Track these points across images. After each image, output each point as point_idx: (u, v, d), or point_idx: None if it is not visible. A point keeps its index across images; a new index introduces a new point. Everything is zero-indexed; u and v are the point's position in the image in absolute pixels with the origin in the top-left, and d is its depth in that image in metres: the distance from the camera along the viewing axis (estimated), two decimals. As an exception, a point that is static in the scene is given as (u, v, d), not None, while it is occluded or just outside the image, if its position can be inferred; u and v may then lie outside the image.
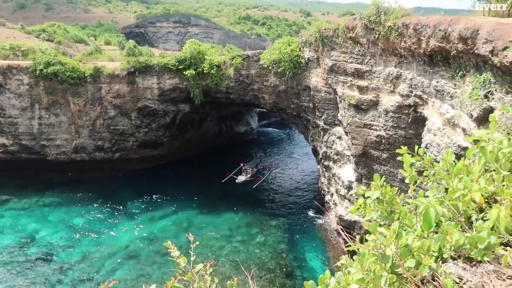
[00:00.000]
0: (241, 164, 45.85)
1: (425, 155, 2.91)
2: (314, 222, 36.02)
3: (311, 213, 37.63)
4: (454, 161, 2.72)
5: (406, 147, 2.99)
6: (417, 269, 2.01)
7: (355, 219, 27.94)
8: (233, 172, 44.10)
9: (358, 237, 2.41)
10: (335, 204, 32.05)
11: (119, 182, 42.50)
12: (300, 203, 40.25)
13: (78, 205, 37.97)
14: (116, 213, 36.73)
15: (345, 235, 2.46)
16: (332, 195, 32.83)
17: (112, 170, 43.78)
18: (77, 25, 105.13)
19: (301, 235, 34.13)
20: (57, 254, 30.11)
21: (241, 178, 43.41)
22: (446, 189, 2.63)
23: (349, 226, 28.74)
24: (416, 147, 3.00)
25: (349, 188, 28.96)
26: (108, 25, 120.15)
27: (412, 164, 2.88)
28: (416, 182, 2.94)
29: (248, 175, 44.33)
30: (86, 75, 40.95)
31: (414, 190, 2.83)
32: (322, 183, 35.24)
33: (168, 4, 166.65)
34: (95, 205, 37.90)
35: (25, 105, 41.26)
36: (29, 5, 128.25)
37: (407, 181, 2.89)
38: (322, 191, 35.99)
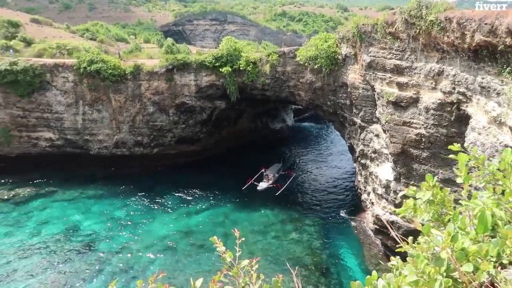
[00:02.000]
0: (263, 169, 43.32)
1: (479, 154, 2.78)
2: (350, 221, 35.50)
3: (346, 212, 37.11)
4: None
5: (458, 144, 2.88)
6: (475, 274, 1.94)
7: (393, 219, 27.25)
8: (254, 178, 41.74)
9: (410, 238, 2.35)
10: (372, 203, 31.40)
11: (157, 177, 43.71)
12: (336, 202, 39.78)
13: (119, 198, 39.42)
14: (154, 207, 37.81)
15: (396, 235, 2.41)
16: (369, 194, 32.18)
17: (150, 165, 45.07)
18: (118, 24, 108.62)
19: (336, 233, 33.75)
20: (99, 244, 31.43)
21: (262, 185, 40.45)
22: (503, 191, 2.51)
23: (386, 226, 28.09)
24: (470, 146, 2.88)
25: (386, 187, 28.26)
26: (148, 23, 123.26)
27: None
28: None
29: (270, 181, 41.30)
30: (126, 72, 42.32)
31: (468, 191, 2.73)
32: (359, 181, 34.61)
33: (205, 2, 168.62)
34: (134, 198, 39.19)
35: (70, 101, 43.21)
36: (73, 6, 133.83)
37: (459, 181, 2.78)
38: (358, 190, 35.36)
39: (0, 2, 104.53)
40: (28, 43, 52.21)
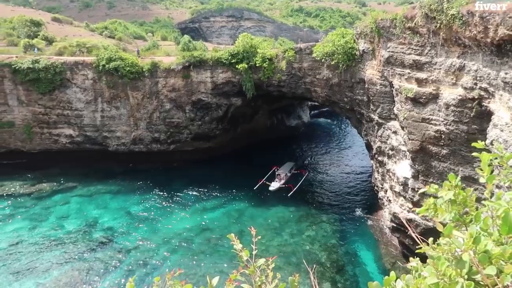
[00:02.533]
0: (275, 168, 42.52)
1: (504, 151, 2.69)
2: (366, 219, 35.17)
3: (362, 209, 36.77)
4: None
5: (482, 142, 2.79)
6: (498, 277, 1.88)
7: (411, 217, 26.84)
8: (265, 178, 41.16)
9: (431, 239, 2.29)
10: (389, 201, 30.99)
11: (173, 173, 44.16)
12: (352, 199, 39.45)
13: (136, 193, 40.00)
14: (170, 202, 38.23)
15: (416, 236, 2.35)
16: (386, 191, 31.77)
17: (167, 162, 45.55)
18: (136, 22, 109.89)
19: (352, 231, 33.49)
20: (116, 239, 31.99)
21: (274, 185, 39.56)
22: (529, 191, 2.42)
23: (404, 224, 27.67)
24: (495, 143, 2.79)
25: (404, 185, 27.83)
26: (165, 21, 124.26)
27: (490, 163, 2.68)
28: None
29: (282, 181, 40.49)
30: (144, 69, 42.79)
31: (491, 190, 2.64)
32: (376, 179, 34.20)
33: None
34: (151, 194, 39.71)
35: (90, 98, 43.98)
36: (93, 4, 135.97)
37: (482, 180, 2.70)
38: (375, 187, 34.95)
39: (22, 2, 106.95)
40: (50, 41, 53.45)
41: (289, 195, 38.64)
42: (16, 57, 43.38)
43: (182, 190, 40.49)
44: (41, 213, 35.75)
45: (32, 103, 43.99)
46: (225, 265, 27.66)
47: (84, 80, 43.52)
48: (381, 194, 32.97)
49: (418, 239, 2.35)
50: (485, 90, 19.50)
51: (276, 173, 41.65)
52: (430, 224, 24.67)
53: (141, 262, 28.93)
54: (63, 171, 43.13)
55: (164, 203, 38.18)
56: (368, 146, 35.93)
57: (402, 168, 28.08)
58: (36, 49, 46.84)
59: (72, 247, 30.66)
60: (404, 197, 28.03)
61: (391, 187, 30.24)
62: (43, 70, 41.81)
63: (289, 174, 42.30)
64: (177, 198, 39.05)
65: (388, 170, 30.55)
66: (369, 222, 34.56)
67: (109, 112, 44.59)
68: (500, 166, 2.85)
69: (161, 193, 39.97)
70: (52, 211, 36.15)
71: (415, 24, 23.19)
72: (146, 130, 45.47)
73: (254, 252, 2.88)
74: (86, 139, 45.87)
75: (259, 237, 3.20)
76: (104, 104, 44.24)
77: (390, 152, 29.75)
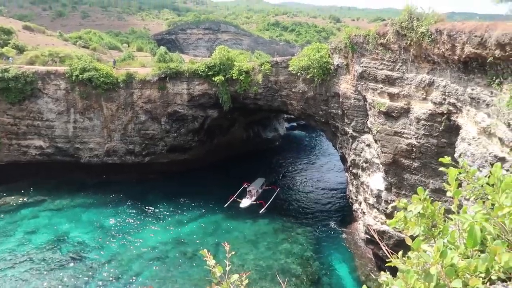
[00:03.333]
0: (246, 185, 41.27)
1: (469, 167, 2.80)
2: (341, 231, 35.49)
3: (338, 222, 37.10)
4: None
5: (449, 157, 2.89)
6: (464, 290, 1.93)
7: (384, 229, 27.28)
8: (236, 194, 39.91)
9: (400, 252, 2.34)
10: (363, 213, 31.43)
11: (148, 186, 43.38)
12: (328, 212, 39.78)
13: (109, 206, 38.99)
14: (145, 216, 37.45)
15: (387, 250, 2.40)
16: (360, 203, 32.23)
17: (141, 174, 44.74)
18: (111, 32, 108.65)
19: (328, 243, 33.70)
20: (88, 254, 30.97)
21: (245, 203, 38.33)
22: (493, 205, 2.52)
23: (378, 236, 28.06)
24: (461, 159, 2.90)
25: (378, 197, 28.34)
26: (141, 32, 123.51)
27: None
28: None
29: (253, 198, 39.20)
30: (119, 80, 42.19)
31: (459, 201, 2.73)
32: (350, 191, 34.67)
33: (198, 11, 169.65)
34: (124, 207, 38.80)
35: (62, 109, 42.89)
36: (67, 13, 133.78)
37: (449, 194, 2.79)
38: (350, 200, 35.41)
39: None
40: (20, 50, 51.95)
41: (260, 212, 37.84)
42: (-16, 65, 41.94)
43: (156, 203, 39.77)
44: (7, 227, 34.25)
45: (0, 113, 42.49)
46: (201, 280, 27.19)
47: (56, 90, 42.47)
48: (355, 206, 33.42)
49: (389, 252, 2.40)
50: (454, 105, 20.24)
51: (247, 189, 40.41)
52: (403, 235, 25.08)
53: (113, 278, 28.06)
54: (33, 183, 41.59)
55: (138, 216, 37.36)
56: (343, 159, 36.48)
57: (376, 181, 28.61)
58: (11, 58, 45.45)
59: (40, 263, 29.44)
60: (378, 209, 28.50)
61: (365, 199, 30.71)
62: (13, 79, 40.56)
63: (260, 190, 41.28)
64: (152, 211, 38.30)
65: (362, 183, 31.05)
66: (344, 235, 34.88)
67: (82, 123, 43.59)
68: (466, 180, 2.96)
69: (135, 206, 39.11)
70: (20, 226, 34.70)
71: (387, 40, 23.93)
72: (120, 141, 44.64)
73: (227, 268, 2.85)
74: (57, 150, 44.57)
75: (233, 253, 3.17)
76: (77, 115, 43.23)
77: (364, 165, 30.29)
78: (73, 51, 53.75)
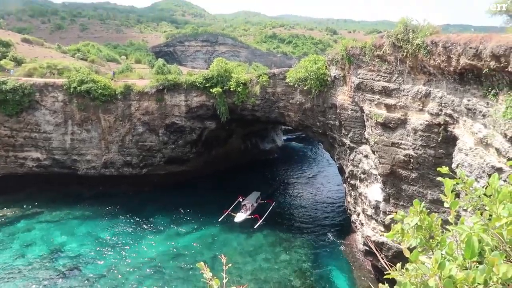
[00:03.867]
0: (240, 198, 40.47)
1: (466, 178, 2.80)
2: (339, 242, 35.27)
3: (336, 233, 36.88)
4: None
5: (446, 167, 2.89)
6: (463, 302, 1.92)
7: (383, 240, 27.14)
8: (231, 208, 38.95)
9: (398, 264, 2.33)
10: (362, 224, 31.31)
11: (145, 197, 43.13)
12: (326, 223, 39.58)
13: (106, 218, 38.70)
14: (142, 228, 37.16)
15: (385, 262, 2.39)
16: (358, 215, 32.12)
17: (139, 185, 44.51)
18: (109, 45, 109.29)
19: (326, 254, 33.46)
20: (84, 266, 30.62)
21: (240, 217, 37.49)
22: (490, 216, 2.51)
23: (376, 247, 27.90)
24: (458, 169, 2.90)
25: (376, 208, 28.27)
26: (139, 44, 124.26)
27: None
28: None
29: (248, 212, 38.42)
30: (117, 92, 42.26)
31: (457, 212, 2.72)
32: (349, 202, 34.59)
33: (196, 24, 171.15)
34: (122, 219, 38.51)
35: (59, 121, 42.85)
36: (65, 26, 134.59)
37: (446, 205, 2.79)
38: (348, 211, 35.29)
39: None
40: (19, 62, 52.11)
41: (255, 226, 36.86)
42: (-17, 77, 41.98)
43: (154, 214, 39.50)
44: (3, 240, 33.88)
45: (-3, 125, 42.42)
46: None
47: (54, 102, 42.49)
48: (353, 217, 33.30)
49: (387, 264, 2.39)
50: (450, 116, 20.35)
51: (242, 203, 39.58)
52: (402, 247, 24.99)
53: (110, 291, 27.71)
54: (29, 196, 41.31)
55: (135, 228, 37.07)
56: (341, 170, 36.46)
57: (374, 192, 28.57)
58: (12, 70, 45.62)
59: (36, 276, 29.07)
60: (376, 220, 28.40)
61: (363, 211, 30.61)
62: (11, 91, 40.58)
63: (255, 204, 40.50)
64: (149, 223, 38.02)
65: (360, 194, 30.99)
66: (342, 247, 34.67)
67: (79, 135, 43.53)
68: (463, 191, 2.96)
69: (132, 218, 38.84)
70: (16, 238, 34.34)
71: (383, 52, 24.15)
72: (118, 153, 44.53)
73: (224, 281, 2.83)
74: (54, 162, 44.40)
75: (230, 265, 3.15)
76: (75, 126, 43.19)
77: (362, 176, 30.27)
78: (71, 63, 53.97)
